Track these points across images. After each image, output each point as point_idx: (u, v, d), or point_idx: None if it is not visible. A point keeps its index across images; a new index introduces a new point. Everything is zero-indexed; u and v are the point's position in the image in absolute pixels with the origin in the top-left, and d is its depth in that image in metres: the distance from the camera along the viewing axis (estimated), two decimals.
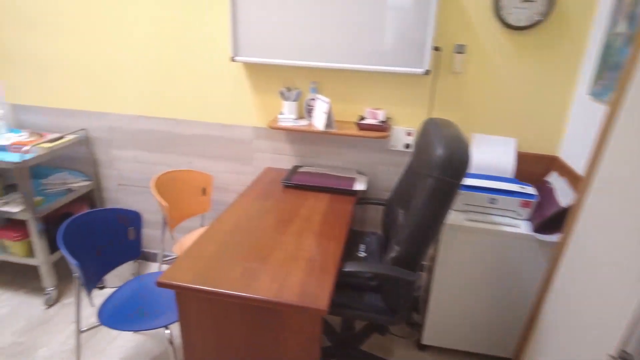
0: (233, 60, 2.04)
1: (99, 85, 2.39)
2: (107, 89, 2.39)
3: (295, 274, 1.33)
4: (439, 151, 1.31)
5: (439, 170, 1.29)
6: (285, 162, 2.33)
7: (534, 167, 2.02)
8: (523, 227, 1.73)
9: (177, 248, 2.11)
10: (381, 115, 2.03)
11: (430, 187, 1.31)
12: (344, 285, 1.65)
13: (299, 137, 2.26)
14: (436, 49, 1.92)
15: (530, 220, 1.79)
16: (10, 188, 2.39)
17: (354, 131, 1.97)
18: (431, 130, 1.52)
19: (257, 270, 1.34)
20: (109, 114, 2.44)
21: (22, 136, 2.33)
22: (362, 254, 1.81)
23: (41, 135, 2.37)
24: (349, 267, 1.42)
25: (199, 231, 2.27)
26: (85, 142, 2.50)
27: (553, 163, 1.99)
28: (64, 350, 2.02)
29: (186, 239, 2.18)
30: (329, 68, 2.01)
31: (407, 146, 2.12)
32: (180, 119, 2.36)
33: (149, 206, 2.64)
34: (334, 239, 1.57)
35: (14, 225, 2.32)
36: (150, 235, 2.72)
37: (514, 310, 1.85)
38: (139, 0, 2.15)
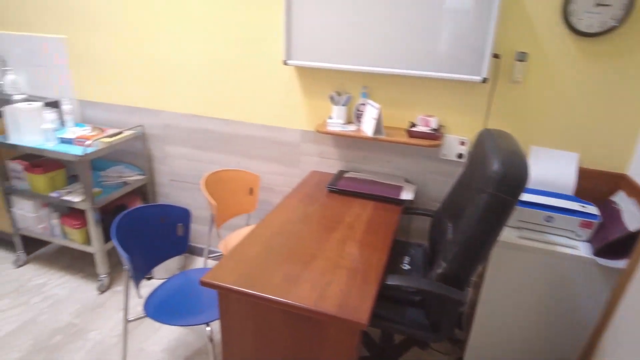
0: (285, 64, 2.05)
1: (157, 84, 2.49)
2: (163, 88, 2.48)
3: (336, 284, 1.31)
4: (495, 166, 1.24)
5: (494, 186, 1.22)
6: (331, 166, 2.31)
7: (597, 185, 1.88)
8: (582, 250, 1.61)
9: (222, 246, 2.15)
10: (433, 122, 1.97)
11: (484, 204, 1.24)
12: (386, 297, 1.61)
13: (347, 141, 2.23)
14: (495, 56, 1.83)
15: (590, 242, 1.66)
16: (73, 178, 2.55)
17: (404, 138, 1.92)
18: (487, 141, 1.44)
19: (298, 277, 1.33)
20: (164, 112, 2.54)
21: (86, 130, 2.47)
22: (406, 267, 1.76)
23: (102, 130, 2.50)
24: (392, 281, 1.38)
25: (244, 230, 2.31)
26: (141, 138, 2.61)
27: (620, 181, 1.84)
28: (113, 336, 2.12)
29: (231, 237, 2.22)
30: (381, 73, 1.97)
31: (460, 156, 2.04)
32: (230, 120, 2.41)
33: (198, 202, 2.72)
34: (377, 249, 1.53)
35: (75, 213, 2.46)
36: (198, 230, 2.80)
37: (566, 339, 1.73)
38: (196, 5, 2.22)
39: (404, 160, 2.16)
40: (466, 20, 1.74)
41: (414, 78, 2.00)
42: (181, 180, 2.69)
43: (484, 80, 1.79)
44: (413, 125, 2.03)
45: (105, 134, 2.40)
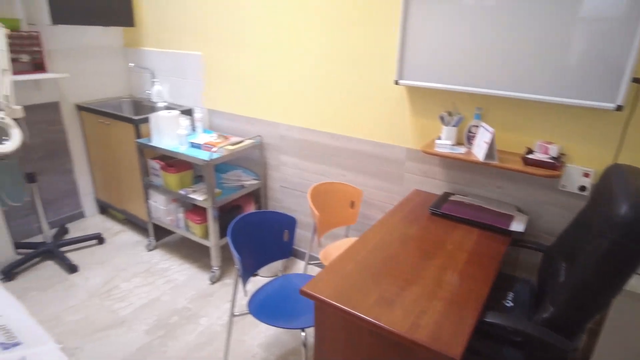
0: (397, 83, 2.08)
1: (275, 98, 2.69)
2: (281, 102, 2.67)
3: (431, 313, 1.29)
4: (623, 208, 1.11)
5: (620, 232, 1.10)
6: (436, 186, 2.27)
7: None
8: None
9: (322, 255, 2.25)
10: (553, 150, 1.82)
11: (604, 250, 1.13)
12: (482, 332, 1.54)
13: (454, 163, 2.17)
14: (635, 80, 1.63)
15: None
16: (199, 179, 2.87)
17: (519, 165, 1.81)
18: (616, 178, 1.30)
19: (392, 300, 1.35)
20: (281, 124, 2.73)
21: (212, 137, 2.77)
22: (509, 304, 1.65)
23: (226, 138, 2.78)
24: (492, 318, 1.32)
25: (344, 241, 2.38)
26: (259, 146, 2.85)
27: None
28: (218, 324, 2.34)
29: (331, 248, 2.31)
30: (496, 95, 1.88)
31: (583, 189, 1.85)
32: (339, 134, 2.50)
33: (304, 208, 2.87)
34: (478, 281, 1.47)
35: (197, 210, 2.78)
36: (302, 234, 2.95)
37: None
38: (314, 23, 2.36)
39: (516, 187, 2.03)
40: (601, 40, 1.58)
41: (534, 102, 1.87)
42: (290, 187, 2.87)
43: (619, 108, 1.61)
44: (530, 151, 1.90)
45: (228, 142, 2.67)
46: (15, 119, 2.45)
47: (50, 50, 3.00)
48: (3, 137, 2.41)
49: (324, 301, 1.34)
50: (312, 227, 2.84)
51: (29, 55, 2.79)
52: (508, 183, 2.05)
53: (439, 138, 2.07)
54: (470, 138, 2.02)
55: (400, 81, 2.07)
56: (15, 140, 2.43)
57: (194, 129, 2.94)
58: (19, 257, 2.80)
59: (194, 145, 2.65)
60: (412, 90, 2.17)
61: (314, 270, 2.84)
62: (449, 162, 2.19)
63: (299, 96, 2.59)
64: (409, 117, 2.23)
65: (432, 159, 2.23)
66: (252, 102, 2.83)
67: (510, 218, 1.90)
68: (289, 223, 2.06)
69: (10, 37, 2.54)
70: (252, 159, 2.97)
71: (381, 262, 1.57)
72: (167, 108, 3.11)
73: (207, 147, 2.58)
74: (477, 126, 1.98)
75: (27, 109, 2.88)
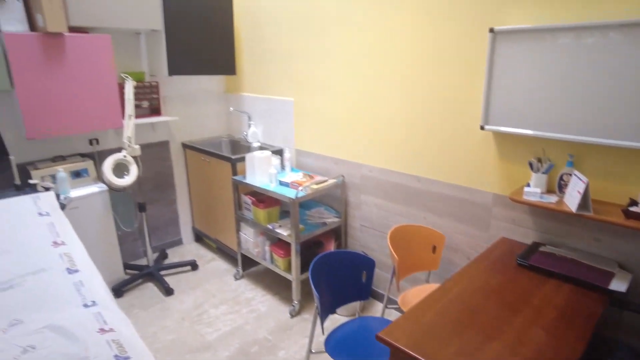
0: (482, 128, 2.06)
1: (360, 140, 2.80)
2: (365, 144, 2.77)
3: None
4: None
5: None
6: (525, 235, 2.16)
7: None
8: None
9: (401, 299, 2.23)
10: None
11: None
12: None
13: (545, 212, 2.06)
14: None
15: None
16: (285, 214, 3.04)
17: (619, 218, 1.67)
18: None
19: (471, 354, 1.31)
20: (363, 164, 2.82)
21: (298, 176, 2.94)
22: None
23: (311, 177, 2.93)
24: None
25: (424, 287, 2.34)
26: (341, 185, 2.95)
27: None
28: (296, 359, 2.41)
29: (410, 293, 2.28)
30: (590, 143, 1.78)
31: None
32: (421, 176, 2.52)
33: (383, 248, 2.88)
34: (569, 343, 1.37)
35: (282, 244, 2.93)
36: (381, 275, 2.95)
37: None
38: (398, 69, 2.44)
39: (618, 242, 1.87)
40: None
41: (633, 150, 1.74)
42: (371, 227, 2.91)
43: None
44: (633, 203, 1.74)
45: (313, 181, 2.81)
46: (134, 157, 2.85)
47: (165, 96, 3.46)
48: (124, 173, 2.80)
49: (400, 349, 1.35)
50: (391, 269, 2.83)
51: (148, 101, 3.25)
52: (608, 236, 1.89)
53: (528, 185, 2.00)
54: (562, 186, 1.92)
55: (486, 126, 2.06)
56: (132, 175, 2.81)
57: (283, 167, 3.14)
58: (127, 277, 3.16)
59: (283, 184, 2.83)
60: (499, 135, 2.13)
61: (391, 314, 2.81)
62: (540, 211, 2.08)
63: (383, 138, 2.66)
64: (496, 162, 2.18)
65: (521, 206, 2.14)
66: (337, 144, 2.96)
67: (609, 275, 1.74)
68: (368, 265, 2.10)
69: (136, 87, 2.98)
70: (335, 197, 3.08)
71: (462, 313, 1.53)
72: (261, 148, 3.38)
73: (294, 185, 2.74)
74: (569, 174, 1.87)
75: (143, 147, 3.31)
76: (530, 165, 1.98)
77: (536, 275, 1.81)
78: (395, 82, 2.51)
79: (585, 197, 1.73)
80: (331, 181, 2.87)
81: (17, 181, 2.52)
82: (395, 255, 2.09)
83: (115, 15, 2.76)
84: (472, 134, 2.23)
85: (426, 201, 2.54)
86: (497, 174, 2.19)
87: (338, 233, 3.07)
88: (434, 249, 2.37)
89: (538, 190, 1.93)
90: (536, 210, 2.09)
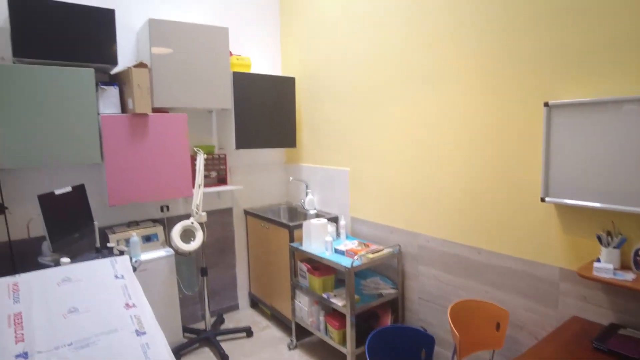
0: (543, 200, 2.02)
1: (415, 209, 2.81)
2: (421, 213, 2.77)
3: None
4: None
5: None
6: (600, 315, 1.99)
7: None
8: None
9: None
10: None
11: None
12: None
13: (621, 290, 1.91)
14: None
15: None
16: (340, 283, 3.03)
17: None
18: None
19: None
20: (420, 234, 2.80)
21: (354, 244, 2.97)
22: None
23: (367, 246, 2.94)
24: None
25: None
26: (397, 255, 2.93)
27: None
28: None
29: None
30: None
31: None
32: (482, 248, 2.45)
33: (443, 323, 2.75)
34: None
35: (337, 314, 2.89)
36: (441, 353, 2.79)
37: None
38: (455, 140, 2.49)
39: None
40: None
41: None
42: (429, 300, 2.81)
43: None
44: None
45: (369, 250, 2.82)
46: (200, 223, 3.04)
47: (231, 167, 3.73)
48: (190, 238, 2.98)
49: None
50: (452, 347, 2.67)
51: (216, 172, 3.53)
52: None
53: (598, 260, 1.88)
54: (638, 263, 1.79)
55: (547, 199, 2.01)
56: (198, 240, 2.98)
57: (338, 235, 3.19)
58: (185, 340, 3.23)
59: (338, 252, 2.86)
60: (561, 207, 2.06)
61: None
62: (615, 289, 1.93)
63: (440, 208, 2.66)
64: (560, 235, 2.09)
65: (593, 282, 2.00)
66: (393, 212, 2.99)
67: None
68: (428, 342, 2.02)
69: (206, 159, 3.26)
70: (391, 267, 3.04)
71: None
72: (317, 215, 3.48)
73: (349, 254, 2.76)
74: None
75: (208, 213, 3.53)
76: (599, 239, 1.88)
77: None
78: (452, 152, 2.56)
79: None
80: (387, 250, 2.86)
81: (98, 244, 2.76)
82: (457, 332, 2.00)
83: (192, 98, 3.11)
84: (533, 206, 2.17)
85: (488, 274, 2.44)
86: (563, 247, 2.09)
87: (395, 305, 2.99)
88: (498, 326, 2.23)
89: (610, 266, 1.81)
90: (610, 288, 1.94)
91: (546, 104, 1.98)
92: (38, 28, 2.52)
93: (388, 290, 2.88)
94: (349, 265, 2.61)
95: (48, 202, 2.37)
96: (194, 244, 2.97)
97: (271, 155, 4.06)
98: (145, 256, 2.94)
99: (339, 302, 2.73)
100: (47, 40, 2.55)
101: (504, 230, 2.33)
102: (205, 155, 3.19)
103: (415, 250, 2.85)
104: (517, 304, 2.31)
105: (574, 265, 2.06)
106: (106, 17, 2.75)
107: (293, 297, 3.18)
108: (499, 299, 2.40)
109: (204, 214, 3.06)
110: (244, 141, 3.44)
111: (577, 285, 2.06)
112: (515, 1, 2.16)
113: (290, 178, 3.99)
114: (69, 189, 2.60)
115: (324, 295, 2.85)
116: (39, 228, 2.52)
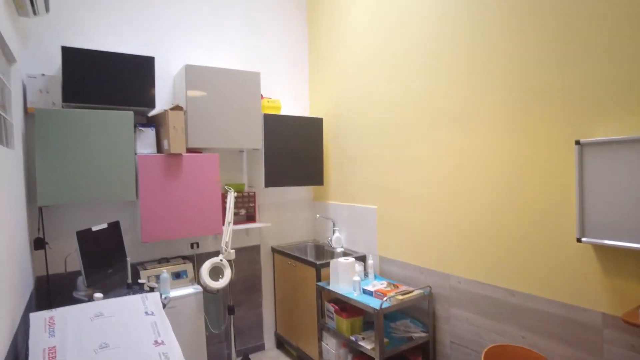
0: (579, 241, 1.94)
1: (446, 249, 2.75)
2: (452, 254, 2.71)
3: None
4: None
5: None
6: None
7: None
8: None
9: None
10: None
11: None
12: None
13: None
14: None
15: None
16: (368, 325, 2.95)
17: None
18: None
19: None
20: (452, 275, 2.73)
21: (383, 284, 2.91)
22: None
23: (396, 286, 2.88)
24: None
25: None
26: (428, 297, 2.84)
27: None
28: None
29: None
30: None
31: None
32: (516, 290, 2.35)
33: None
34: None
35: (365, 358, 2.80)
36: None
37: None
38: (486, 180, 2.46)
39: None
40: None
41: None
42: (462, 344, 2.69)
43: None
44: None
45: (398, 291, 2.75)
46: (229, 260, 3.06)
47: (259, 204, 3.78)
48: (219, 276, 3.00)
49: None
50: None
51: (245, 209, 3.58)
52: None
53: None
54: None
55: (583, 239, 1.93)
56: (226, 278, 3.00)
57: (366, 274, 3.14)
58: None
59: (366, 292, 2.81)
60: (600, 248, 1.98)
61: None
62: None
63: (472, 249, 2.59)
64: (601, 277, 1.99)
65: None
66: (422, 252, 2.93)
67: None
68: None
69: (236, 197, 3.33)
70: (421, 309, 2.94)
71: None
72: (344, 253, 3.45)
73: (378, 295, 2.71)
74: None
75: (237, 251, 3.56)
76: None
77: None
78: (483, 192, 2.52)
79: None
80: (417, 292, 2.78)
81: (129, 280, 2.82)
82: None
83: (225, 138, 3.23)
84: (569, 246, 2.09)
85: (523, 318, 2.33)
86: (605, 290, 1.99)
87: (426, 349, 2.87)
88: None
89: None
90: None
91: (577, 142, 1.95)
92: (86, 76, 2.71)
93: (418, 334, 2.78)
94: (377, 307, 2.55)
95: (85, 238, 2.46)
96: (222, 282, 2.98)
97: (299, 193, 4.10)
98: (174, 293, 2.97)
99: (367, 346, 2.65)
100: (93, 86, 2.74)
101: (539, 271, 2.24)
102: (236, 194, 3.26)
103: (447, 291, 2.77)
104: (556, 350, 2.18)
105: (618, 311, 1.94)
106: (147, 64, 2.94)
107: (320, 339, 3.11)
108: (536, 344, 2.27)
109: (233, 251, 3.09)
110: (272, 179, 3.51)
111: (623, 332, 1.93)
112: (546, 38, 2.18)
113: (317, 215, 4.00)
114: (105, 225, 2.70)
115: (352, 338, 2.77)
116: (75, 263, 2.61)
